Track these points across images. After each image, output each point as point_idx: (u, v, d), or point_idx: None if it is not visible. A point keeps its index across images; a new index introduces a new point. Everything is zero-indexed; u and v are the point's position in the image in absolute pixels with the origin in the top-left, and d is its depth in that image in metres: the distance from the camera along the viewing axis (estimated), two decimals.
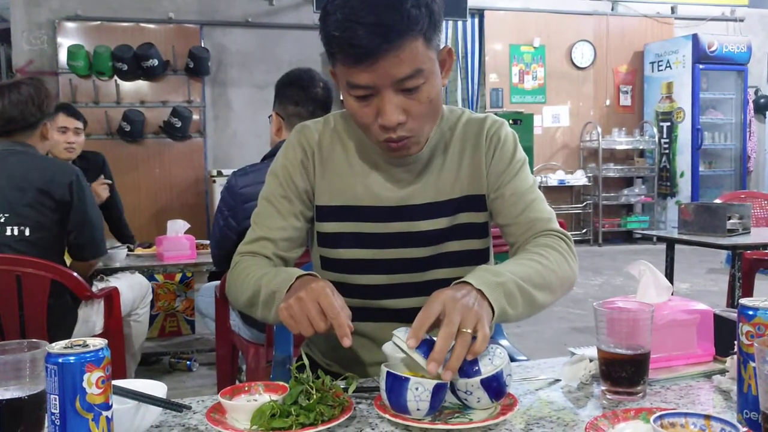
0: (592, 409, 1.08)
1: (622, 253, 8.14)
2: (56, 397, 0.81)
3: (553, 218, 1.36)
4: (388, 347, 1.11)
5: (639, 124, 9.15)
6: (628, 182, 9.23)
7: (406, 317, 1.31)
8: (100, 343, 0.84)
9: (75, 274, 2.40)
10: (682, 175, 8.79)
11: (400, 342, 1.05)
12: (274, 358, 1.87)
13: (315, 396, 1.02)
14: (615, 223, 8.97)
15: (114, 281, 2.92)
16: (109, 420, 0.84)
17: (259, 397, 1.08)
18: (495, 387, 1.03)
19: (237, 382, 3.00)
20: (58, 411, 0.81)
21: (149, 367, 3.87)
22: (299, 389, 1.02)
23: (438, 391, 1.00)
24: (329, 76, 1.31)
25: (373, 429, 1.01)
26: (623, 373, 1.11)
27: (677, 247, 3.82)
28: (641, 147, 9.09)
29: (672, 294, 1.29)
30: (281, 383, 1.08)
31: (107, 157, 3.95)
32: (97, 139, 6.46)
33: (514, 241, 1.35)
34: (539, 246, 1.28)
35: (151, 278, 4.18)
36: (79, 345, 0.83)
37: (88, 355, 0.82)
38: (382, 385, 1.02)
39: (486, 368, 1.05)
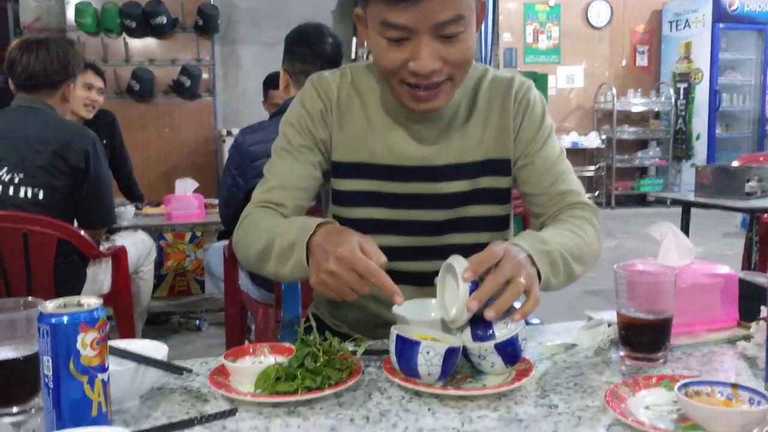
0: (611, 376, 1.04)
1: (635, 216, 8.05)
2: (49, 358, 0.77)
3: (583, 191, 1.32)
4: (400, 310, 1.06)
5: (655, 86, 8.97)
6: (642, 144, 9.09)
7: (418, 281, 1.27)
8: (95, 303, 0.80)
9: (82, 232, 2.36)
10: (698, 137, 8.64)
11: (457, 265, 0.99)
12: (282, 319, 1.84)
13: (322, 359, 0.98)
14: (628, 186, 8.87)
15: (119, 240, 2.89)
16: (105, 383, 0.80)
17: (264, 359, 1.04)
18: (510, 352, 0.98)
19: (246, 342, 3.00)
20: (51, 373, 0.77)
21: (158, 326, 3.87)
22: (305, 352, 0.98)
23: (450, 356, 0.95)
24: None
25: (382, 393, 0.98)
26: (644, 338, 1.06)
27: (691, 210, 3.75)
28: (657, 109, 8.93)
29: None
30: (287, 345, 1.04)
31: (117, 117, 3.90)
32: (106, 98, 6.38)
33: (542, 212, 1.31)
34: (575, 218, 1.25)
35: (160, 237, 4.16)
36: (73, 305, 0.79)
37: (82, 316, 0.78)
38: (392, 348, 0.98)
39: (501, 332, 1.01)
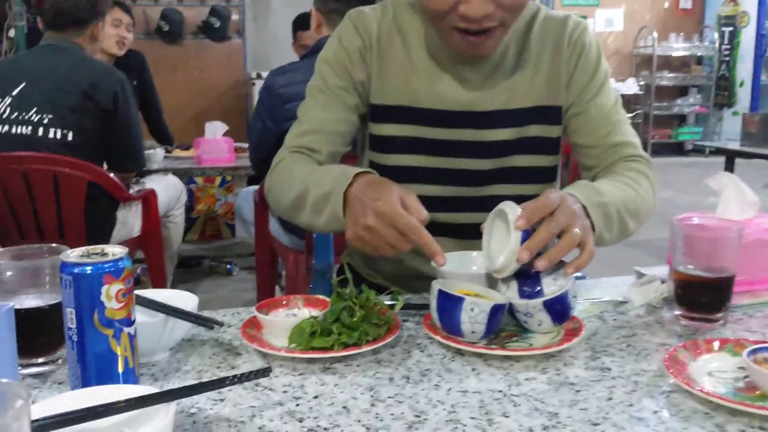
0: (666, 337, 0.97)
1: (672, 165, 7.85)
2: (72, 310, 0.72)
3: (639, 143, 1.24)
4: (447, 262, 0.99)
5: (698, 29, 8.64)
6: (682, 91, 8.82)
7: (459, 233, 1.20)
8: (120, 251, 0.75)
9: (112, 175, 2.33)
10: (741, 84, 8.34)
11: (509, 211, 0.93)
12: (314, 267, 1.80)
13: (359, 313, 0.93)
14: (666, 135, 8.64)
15: (149, 183, 2.86)
16: (131, 336, 0.76)
17: (298, 312, 0.99)
18: (558, 309, 0.92)
19: (277, 288, 2.98)
20: (75, 326, 0.73)
21: (189, 269, 3.88)
22: (341, 305, 0.93)
23: (495, 313, 0.90)
24: None
25: (422, 351, 0.92)
26: (702, 297, 0.99)
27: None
28: (699, 54, 8.63)
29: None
30: (322, 297, 0.99)
31: (147, 58, 3.84)
32: (136, 39, 6.31)
33: (594, 164, 1.23)
34: (631, 170, 1.17)
35: (190, 181, 4.14)
36: (97, 254, 0.74)
37: (106, 266, 0.73)
38: (433, 304, 0.92)
39: (549, 288, 0.94)
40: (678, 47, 8.45)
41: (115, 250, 0.75)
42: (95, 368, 0.74)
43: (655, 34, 8.26)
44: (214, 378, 0.76)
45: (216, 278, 3.76)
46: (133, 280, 0.77)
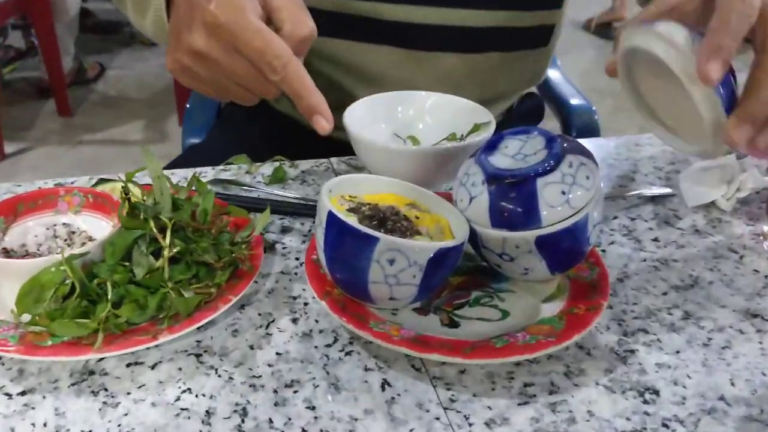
0: None
1: None
2: None
3: None
4: (354, 120, 0.52)
5: None
6: None
7: (405, 36, 0.72)
8: None
9: None
10: None
11: (673, 51, 0.46)
12: None
13: (179, 245, 0.46)
14: None
15: None
16: None
17: (69, 221, 0.52)
18: (565, 247, 0.47)
19: None
20: None
21: (107, 36, 3.23)
22: (134, 235, 0.46)
23: (439, 263, 0.44)
24: None
25: (297, 328, 0.48)
26: None
27: None
28: None
29: None
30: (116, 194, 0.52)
31: None
32: None
33: None
34: None
35: None
36: None
37: None
38: (320, 236, 0.46)
39: (553, 211, 0.47)
40: None
41: None
42: None
43: None
44: None
45: (138, 49, 3.15)
46: None
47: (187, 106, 1.02)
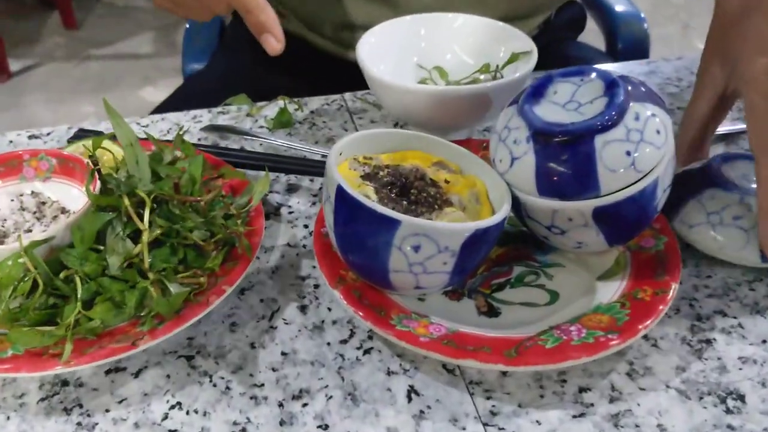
0: None
1: None
2: None
3: None
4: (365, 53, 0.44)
5: None
6: None
7: None
8: None
9: None
10: None
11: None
12: None
13: (161, 224, 0.39)
14: None
15: None
16: None
17: (33, 189, 0.45)
18: (629, 218, 0.38)
19: None
20: None
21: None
22: (107, 217, 0.38)
23: (473, 246, 0.36)
24: None
25: (307, 320, 0.41)
26: None
27: None
28: None
29: None
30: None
31: None
32: None
33: None
34: None
35: None
36: None
37: None
38: (329, 214, 0.38)
39: (615, 175, 0.38)
40: None
41: None
42: None
43: None
44: None
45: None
46: None
47: (186, 26, 0.92)
